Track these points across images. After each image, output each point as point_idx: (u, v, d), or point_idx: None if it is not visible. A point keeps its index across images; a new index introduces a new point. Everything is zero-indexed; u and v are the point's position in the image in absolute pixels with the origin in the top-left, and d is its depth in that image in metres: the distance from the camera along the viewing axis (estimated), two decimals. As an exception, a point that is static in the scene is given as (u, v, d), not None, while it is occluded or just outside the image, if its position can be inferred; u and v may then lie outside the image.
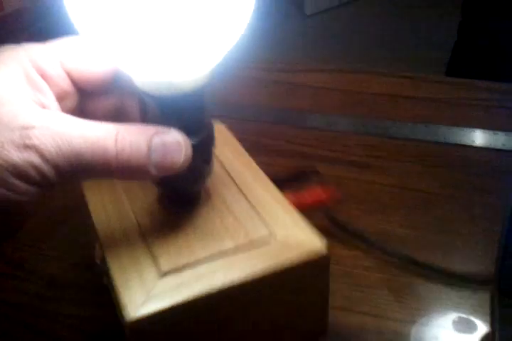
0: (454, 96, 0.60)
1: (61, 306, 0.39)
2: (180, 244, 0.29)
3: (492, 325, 0.33)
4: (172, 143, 0.25)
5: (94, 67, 0.27)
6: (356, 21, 2.41)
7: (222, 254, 0.28)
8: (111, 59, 0.27)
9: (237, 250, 0.28)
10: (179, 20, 0.22)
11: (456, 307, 0.37)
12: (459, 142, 0.52)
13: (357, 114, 0.58)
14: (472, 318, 0.36)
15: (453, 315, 0.36)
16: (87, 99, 0.28)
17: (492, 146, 0.52)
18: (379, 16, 2.45)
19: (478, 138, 0.53)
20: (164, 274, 0.27)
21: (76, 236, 0.43)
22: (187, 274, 0.27)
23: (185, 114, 0.27)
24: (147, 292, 0.27)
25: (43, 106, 0.25)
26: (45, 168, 0.23)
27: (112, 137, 0.24)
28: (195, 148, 0.26)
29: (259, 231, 0.29)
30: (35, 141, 0.22)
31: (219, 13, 0.23)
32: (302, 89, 0.64)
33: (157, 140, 0.25)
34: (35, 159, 0.22)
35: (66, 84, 0.27)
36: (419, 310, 0.37)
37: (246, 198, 0.32)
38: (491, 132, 0.53)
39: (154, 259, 0.28)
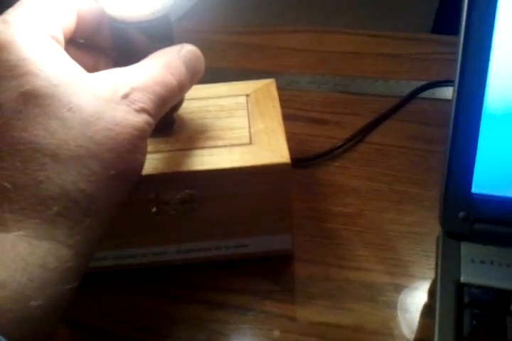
0: (416, 51, 0.60)
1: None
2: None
3: (436, 268, 0.33)
4: (192, 56, 0.28)
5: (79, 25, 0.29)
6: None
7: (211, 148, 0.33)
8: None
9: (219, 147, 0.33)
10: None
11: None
12: (417, 95, 0.52)
13: (318, 73, 0.58)
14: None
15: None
16: None
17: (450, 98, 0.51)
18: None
19: (437, 90, 0.52)
20: None
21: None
22: None
23: (163, 37, 0.30)
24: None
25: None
26: (152, 121, 0.25)
27: (168, 73, 0.26)
28: None
29: (241, 140, 0.33)
30: (140, 104, 0.24)
31: None
32: (263, 50, 0.63)
33: (183, 58, 0.27)
34: (148, 118, 0.25)
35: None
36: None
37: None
38: (449, 84, 0.52)
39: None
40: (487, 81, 0.30)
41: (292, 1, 2.22)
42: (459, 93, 0.31)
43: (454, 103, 0.31)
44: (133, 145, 0.24)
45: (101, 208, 0.24)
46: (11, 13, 0.25)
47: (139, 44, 0.30)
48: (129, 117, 0.24)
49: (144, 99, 0.25)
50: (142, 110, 0.24)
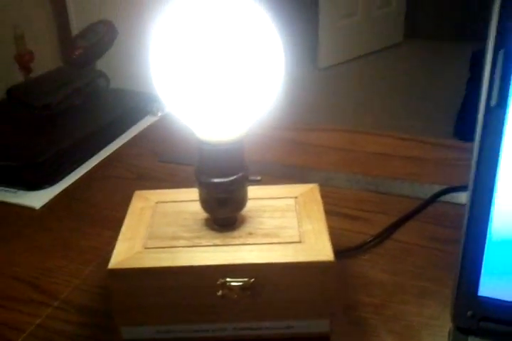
0: (440, 157, 0.68)
1: (91, 332, 0.46)
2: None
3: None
4: None
5: None
6: (368, 75, 2.52)
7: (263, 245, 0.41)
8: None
9: (274, 244, 0.41)
10: (233, 97, 0.36)
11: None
12: (439, 199, 0.59)
13: (352, 171, 0.66)
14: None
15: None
16: None
17: (468, 203, 0.59)
18: (391, 70, 2.56)
19: (455, 195, 0.60)
20: None
21: (102, 273, 0.51)
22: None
23: (232, 156, 0.40)
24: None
25: None
26: None
27: None
28: (235, 182, 0.40)
29: (292, 238, 0.41)
30: None
31: (258, 89, 0.37)
32: (304, 147, 0.73)
33: None
34: None
35: None
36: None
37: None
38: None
39: None
40: (493, 201, 0.37)
41: (311, 93, 2.36)
42: (469, 219, 0.38)
43: (465, 221, 0.39)
44: None
45: None
46: None
47: (221, 160, 0.40)
48: None
49: None
50: None
